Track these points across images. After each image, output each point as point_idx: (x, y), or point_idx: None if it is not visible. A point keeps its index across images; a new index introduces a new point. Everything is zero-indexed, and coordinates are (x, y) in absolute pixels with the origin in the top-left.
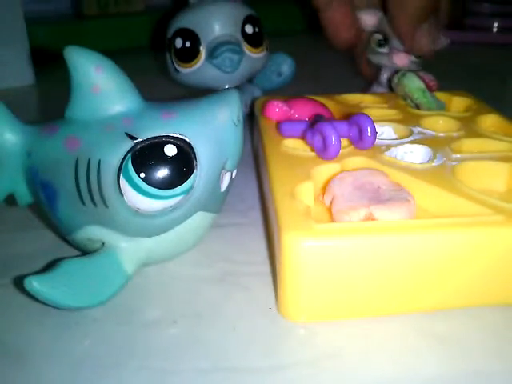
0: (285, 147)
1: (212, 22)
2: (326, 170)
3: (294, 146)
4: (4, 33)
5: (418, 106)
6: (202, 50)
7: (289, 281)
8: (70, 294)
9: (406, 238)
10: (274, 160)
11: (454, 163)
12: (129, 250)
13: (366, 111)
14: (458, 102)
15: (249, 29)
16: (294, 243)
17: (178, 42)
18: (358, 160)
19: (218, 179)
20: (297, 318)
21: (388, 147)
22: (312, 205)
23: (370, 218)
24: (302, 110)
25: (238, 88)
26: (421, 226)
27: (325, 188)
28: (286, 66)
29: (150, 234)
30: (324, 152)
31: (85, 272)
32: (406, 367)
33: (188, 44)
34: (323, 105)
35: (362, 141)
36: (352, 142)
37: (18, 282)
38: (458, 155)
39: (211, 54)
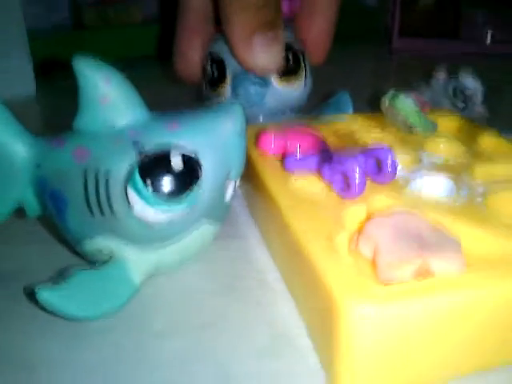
0: (294, 186)
1: None
2: (352, 213)
3: (304, 183)
4: (6, 44)
5: (411, 129)
6: (228, 77)
7: (347, 356)
8: (80, 304)
9: (481, 292)
10: (288, 202)
11: (480, 193)
12: (137, 261)
13: (361, 137)
14: (446, 122)
15: None
16: (356, 313)
17: (209, 69)
18: (384, 198)
19: (223, 189)
20: None
21: (406, 180)
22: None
23: (423, 269)
24: (300, 141)
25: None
26: (493, 277)
27: (355, 234)
28: (346, 107)
29: (157, 244)
30: (347, 191)
31: (94, 283)
32: None
33: (215, 70)
34: (318, 134)
35: (381, 174)
36: (369, 175)
37: (28, 293)
38: (480, 184)
39: (232, 83)
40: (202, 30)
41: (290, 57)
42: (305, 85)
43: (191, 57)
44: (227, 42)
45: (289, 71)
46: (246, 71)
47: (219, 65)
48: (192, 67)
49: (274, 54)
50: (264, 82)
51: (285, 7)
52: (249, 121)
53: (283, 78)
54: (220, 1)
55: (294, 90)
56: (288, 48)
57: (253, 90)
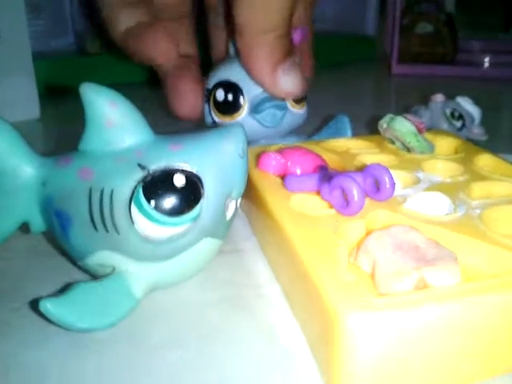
0: (295, 204)
1: None
2: (351, 228)
3: (304, 202)
4: (12, 67)
5: (409, 150)
6: (245, 103)
7: (345, 365)
8: (82, 316)
9: (476, 302)
10: (288, 219)
11: (476, 211)
12: (138, 275)
13: (359, 158)
14: (444, 143)
15: None
16: (354, 322)
17: (220, 95)
18: (382, 215)
19: (224, 207)
20: None
21: (404, 198)
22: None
23: (421, 281)
24: (300, 162)
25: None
26: (489, 288)
27: (354, 248)
28: (345, 131)
29: (158, 260)
30: (346, 208)
31: (96, 295)
32: None
33: (230, 97)
34: (317, 154)
35: (380, 192)
36: (367, 193)
37: (32, 305)
38: (477, 202)
39: (255, 109)
40: (196, 71)
41: None
42: (306, 110)
43: (193, 97)
44: (249, 73)
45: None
46: (266, 96)
47: (236, 92)
48: (194, 106)
49: (296, 78)
50: (284, 105)
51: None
52: (266, 140)
53: (297, 101)
54: (239, 36)
55: (302, 112)
56: None
57: (278, 114)
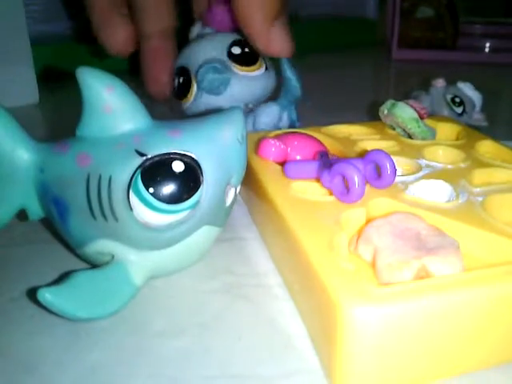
0: (295, 191)
1: (198, 52)
2: (353, 215)
3: (304, 189)
4: (10, 53)
5: (410, 136)
6: (194, 80)
7: (346, 356)
8: (82, 305)
9: (478, 292)
10: (288, 207)
11: (478, 198)
12: (137, 263)
13: (360, 144)
14: (445, 129)
15: (236, 50)
16: (355, 314)
17: (176, 82)
18: (383, 202)
19: (223, 194)
20: None
21: (405, 185)
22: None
23: (422, 270)
24: (300, 148)
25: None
26: (490, 278)
27: (355, 237)
28: (290, 78)
29: (158, 247)
30: (347, 195)
31: (95, 284)
32: None
33: (181, 80)
34: (318, 140)
35: (381, 179)
36: (368, 180)
37: (30, 294)
38: (478, 189)
39: (197, 79)
40: (169, 52)
41: (246, 48)
42: (265, 72)
43: (163, 79)
44: (245, 29)
45: (248, 59)
46: (204, 61)
47: (185, 73)
48: (164, 87)
49: (287, 34)
50: (222, 69)
51: (227, 19)
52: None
53: (244, 63)
54: (235, 1)
55: (256, 77)
56: (242, 42)
57: (217, 77)
